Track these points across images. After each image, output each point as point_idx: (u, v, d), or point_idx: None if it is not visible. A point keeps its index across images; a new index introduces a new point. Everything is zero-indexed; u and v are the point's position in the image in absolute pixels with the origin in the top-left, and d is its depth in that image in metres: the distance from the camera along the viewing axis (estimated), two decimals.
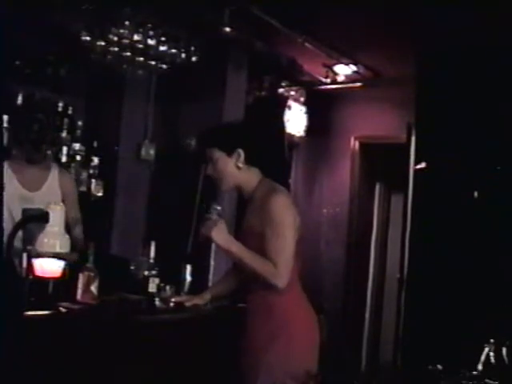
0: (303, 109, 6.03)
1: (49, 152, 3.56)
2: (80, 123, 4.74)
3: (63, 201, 3.29)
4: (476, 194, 4.52)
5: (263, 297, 2.66)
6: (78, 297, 2.83)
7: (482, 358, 2.92)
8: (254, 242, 2.64)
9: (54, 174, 3.39)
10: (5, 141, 3.75)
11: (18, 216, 3.08)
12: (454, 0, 3.91)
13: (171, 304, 3.00)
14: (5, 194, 3.07)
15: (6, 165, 3.25)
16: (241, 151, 2.72)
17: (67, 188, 3.42)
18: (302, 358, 2.64)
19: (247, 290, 2.75)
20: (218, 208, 2.63)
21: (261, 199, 2.67)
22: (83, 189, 4.57)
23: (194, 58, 4.45)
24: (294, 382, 2.57)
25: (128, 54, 4.18)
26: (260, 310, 2.67)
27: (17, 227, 2.64)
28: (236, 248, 2.63)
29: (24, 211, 3.10)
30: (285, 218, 2.63)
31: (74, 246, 2.95)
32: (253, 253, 2.61)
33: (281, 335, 2.61)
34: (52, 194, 3.31)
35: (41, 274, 2.58)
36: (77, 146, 4.67)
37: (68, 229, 3.14)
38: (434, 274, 4.53)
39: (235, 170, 2.73)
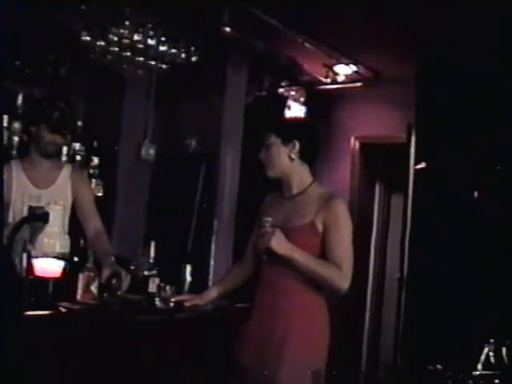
0: (303, 109, 6.02)
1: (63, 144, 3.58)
2: (80, 123, 4.74)
3: (75, 197, 3.31)
4: (476, 193, 4.52)
5: (299, 295, 2.63)
6: (78, 297, 2.84)
7: (482, 357, 2.92)
8: (306, 240, 2.61)
9: (66, 172, 3.32)
10: (4, 141, 3.75)
11: (21, 213, 3.04)
12: (454, 0, 3.92)
13: (171, 304, 3.00)
14: (12, 192, 3.09)
15: (16, 162, 3.25)
16: (297, 143, 2.71)
17: (79, 183, 3.35)
18: (318, 353, 2.66)
19: (276, 288, 2.68)
20: (269, 219, 2.60)
21: (319, 199, 2.66)
22: None
23: (193, 58, 4.45)
24: (311, 377, 2.56)
25: (128, 53, 4.18)
26: (294, 308, 2.63)
27: (16, 227, 2.64)
28: (299, 254, 2.58)
29: (30, 209, 3.05)
30: (350, 223, 2.66)
31: (97, 238, 3.20)
32: (315, 257, 2.60)
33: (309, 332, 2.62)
34: (60, 193, 3.23)
35: (41, 274, 2.58)
36: (77, 145, 4.67)
37: (85, 223, 3.33)
38: (434, 274, 4.53)
39: (287, 160, 2.72)
